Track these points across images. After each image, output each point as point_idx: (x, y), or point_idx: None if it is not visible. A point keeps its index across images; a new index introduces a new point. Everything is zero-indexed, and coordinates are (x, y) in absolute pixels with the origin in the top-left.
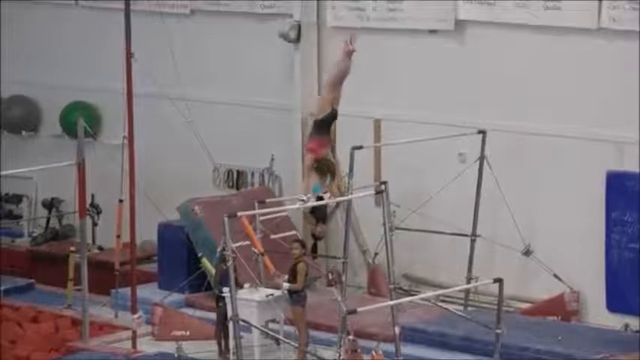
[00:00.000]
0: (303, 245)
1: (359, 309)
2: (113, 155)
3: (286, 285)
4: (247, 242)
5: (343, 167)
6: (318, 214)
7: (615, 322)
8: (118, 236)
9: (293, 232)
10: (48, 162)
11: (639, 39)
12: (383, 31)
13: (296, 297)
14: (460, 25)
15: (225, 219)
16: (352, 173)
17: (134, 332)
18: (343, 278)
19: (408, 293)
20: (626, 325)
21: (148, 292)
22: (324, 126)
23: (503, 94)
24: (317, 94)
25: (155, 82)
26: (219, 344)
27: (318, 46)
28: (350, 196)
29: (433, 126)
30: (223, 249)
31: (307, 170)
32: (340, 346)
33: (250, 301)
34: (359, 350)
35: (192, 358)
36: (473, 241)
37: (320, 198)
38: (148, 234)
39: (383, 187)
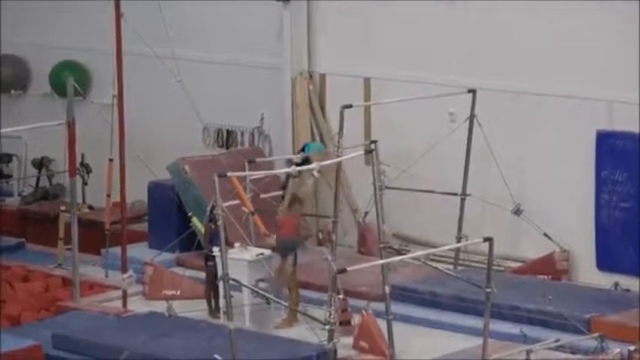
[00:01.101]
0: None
1: (349, 268)
2: (103, 114)
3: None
4: (237, 201)
5: (333, 126)
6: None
7: (605, 280)
8: (108, 195)
9: (281, 192)
10: (37, 121)
11: None
12: None
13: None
14: None
15: (216, 178)
16: (342, 132)
17: (124, 291)
18: (333, 237)
19: (398, 252)
20: (616, 284)
21: (139, 251)
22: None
23: (493, 53)
24: (307, 52)
25: (144, 42)
26: (209, 303)
27: (308, 4)
28: (340, 157)
29: (423, 85)
30: (213, 208)
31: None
32: (330, 305)
33: (240, 261)
34: (349, 309)
35: (183, 317)
36: (463, 200)
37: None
38: (138, 193)
39: (373, 146)
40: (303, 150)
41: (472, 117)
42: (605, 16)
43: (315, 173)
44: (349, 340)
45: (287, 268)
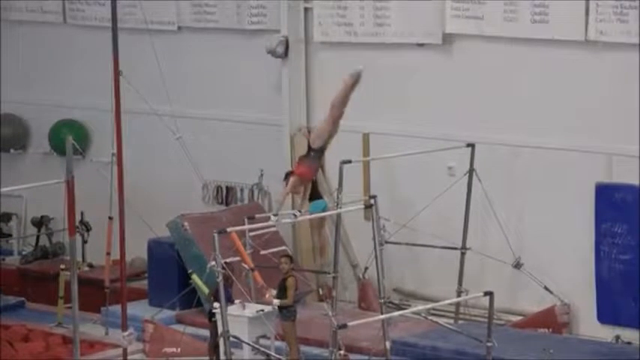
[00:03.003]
0: (292, 260)
1: (350, 323)
2: (102, 172)
3: (276, 301)
4: (237, 258)
5: (332, 182)
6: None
7: (606, 333)
8: (108, 253)
9: (283, 248)
10: (37, 180)
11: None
12: (371, 46)
13: (286, 312)
14: (448, 38)
15: (215, 235)
16: (341, 188)
17: (125, 349)
18: (334, 293)
19: (399, 307)
20: (617, 337)
21: (139, 309)
22: (317, 154)
23: (492, 107)
24: (305, 107)
25: (143, 100)
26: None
27: (306, 61)
28: (340, 210)
29: (422, 140)
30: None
31: (290, 188)
32: None
33: (241, 317)
34: None
35: None
36: (463, 255)
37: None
38: (137, 251)
39: (372, 201)
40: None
41: (471, 171)
42: (605, 68)
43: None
44: None
45: (286, 324)
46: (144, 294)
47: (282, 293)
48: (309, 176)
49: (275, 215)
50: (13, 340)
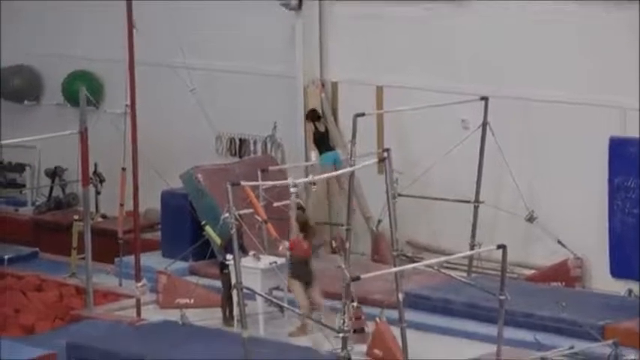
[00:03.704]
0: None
1: (362, 276)
2: (116, 124)
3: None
4: (250, 210)
5: (346, 134)
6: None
7: (619, 287)
8: (122, 204)
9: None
10: (50, 131)
11: None
12: None
13: (291, 269)
14: None
15: (229, 187)
16: (355, 140)
17: (138, 300)
18: (347, 245)
19: (412, 260)
20: (630, 291)
21: (152, 260)
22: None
23: (506, 60)
24: (319, 60)
25: (157, 51)
26: (224, 311)
27: (320, 13)
28: (353, 168)
29: (435, 93)
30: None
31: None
32: (344, 313)
33: (254, 269)
34: (363, 317)
35: (197, 326)
36: (476, 208)
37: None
38: (151, 202)
39: (385, 154)
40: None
41: (485, 124)
42: (619, 22)
43: (313, 188)
44: (363, 348)
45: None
46: (157, 245)
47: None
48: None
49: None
50: (26, 290)
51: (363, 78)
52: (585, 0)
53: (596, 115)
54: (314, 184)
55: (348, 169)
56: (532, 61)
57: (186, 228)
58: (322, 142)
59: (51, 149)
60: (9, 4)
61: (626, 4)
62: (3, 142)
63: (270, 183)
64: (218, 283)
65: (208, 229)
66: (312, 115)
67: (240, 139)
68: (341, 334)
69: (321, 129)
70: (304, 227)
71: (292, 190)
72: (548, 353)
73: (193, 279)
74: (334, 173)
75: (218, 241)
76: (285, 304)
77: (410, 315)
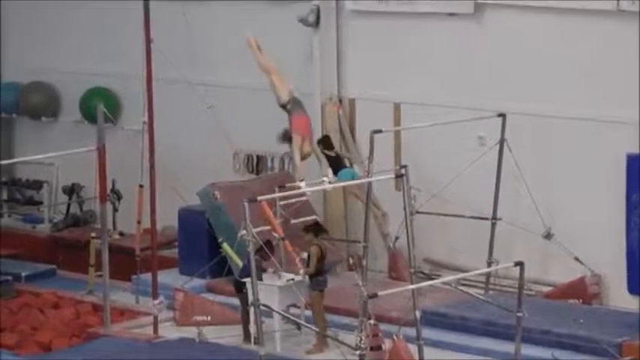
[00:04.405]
0: (320, 228)
1: (380, 293)
2: (133, 141)
3: (301, 271)
4: (268, 227)
5: (363, 152)
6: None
7: (636, 304)
8: (139, 222)
9: (313, 217)
10: (68, 148)
11: None
12: (402, 15)
13: (315, 281)
14: (479, 7)
15: (246, 204)
16: (372, 157)
17: (155, 318)
18: (364, 262)
19: (429, 277)
20: None
21: (169, 277)
22: (292, 106)
23: (523, 76)
24: (336, 77)
25: (175, 68)
26: (246, 329)
27: (337, 29)
28: (370, 179)
29: (452, 109)
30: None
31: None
32: (361, 331)
33: (271, 286)
34: (380, 334)
35: (214, 343)
36: (493, 225)
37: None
38: (168, 219)
39: (403, 170)
40: (335, 174)
41: (502, 141)
42: (634, 37)
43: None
44: None
45: (313, 294)
46: (174, 262)
47: (307, 262)
48: (306, 128)
49: (302, 180)
50: (43, 308)
51: (381, 95)
52: (603, 16)
53: (613, 132)
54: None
55: (365, 179)
56: (550, 77)
57: (203, 245)
58: (335, 165)
59: (68, 166)
60: (28, 20)
61: None
62: (21, 159)
63: (287, 193)
64: (235, 301)
65: (225, 246)
66: (325, 142)
67: (258, 156)
68: (358, 352)
69: (332, 154)
70: (321, 257)
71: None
72: None
73: (210, 296)
74: (350, 182)
75: (236, 258)
76: (303, 322)
77: (427, 333)
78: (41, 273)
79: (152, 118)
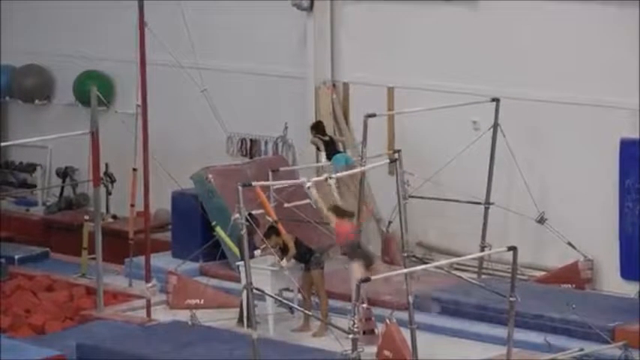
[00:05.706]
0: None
1: (373, 277)
2: (127, 124)
3: (283, 262)
4: (261, 211)
5: (356, 135)
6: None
7: (629, 289)
8: (132, 205)
9: (306, 201)
10: (62, 131)
11: None
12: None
13: (314, 260)
14: None
15: (239, 188)
16: (365, 141)
17: (148, 301)
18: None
19: (422, 261)
20: None
21: (162, 260)
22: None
23: (517, 62)
24: (330, 61)
25: (169, 51)
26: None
27: (331, 13)
28: (364, 168)
29: (446, 94)
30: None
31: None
32: (354, 314)
33: (264, 270)
34: (373, 318)
35: (206, 326)
36: (486, 209)
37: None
38: (161, 203)
39: (396, 155)
40: (329, 158)
41: (496, 125)
42: (630, 23)
43: (330, 181)
44: (373, 350)
45: (314, 272)
46: (167, 246)
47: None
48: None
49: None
50: (36, 290)
51: (375, 79)
52: (602, 1)
53: (607, 117)
54: (328, 178)
55: (359, 169)
56: (544, 62)
57: (196, 229)
58: (329, 149)
59: (62, 149)
60: (21, 3)
61: (638, 3)
62: (14, 141)
63: (282, 182)
64: (228, 284)
65: (219, 229)
66: (317, 128)
67: (251, 140)
68: (351, 336)
69: (325, 138)
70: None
71: (308, 184)
72: (558, 355)
73: (203, 280)
74: (349, 172)
75: (229, 241)
76: (295, 305)
77: (420, 317)
78: (35, 256)
79: (146, 102)
